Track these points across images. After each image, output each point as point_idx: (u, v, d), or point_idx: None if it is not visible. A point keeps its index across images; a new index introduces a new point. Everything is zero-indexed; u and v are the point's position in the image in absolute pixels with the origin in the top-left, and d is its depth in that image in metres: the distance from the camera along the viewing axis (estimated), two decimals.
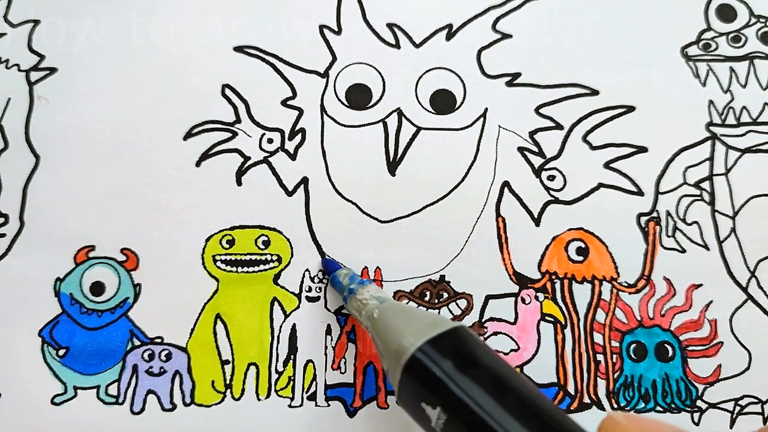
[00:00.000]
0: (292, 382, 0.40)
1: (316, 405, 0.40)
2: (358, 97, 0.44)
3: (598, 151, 0.44)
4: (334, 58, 0.45)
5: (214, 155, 0.43)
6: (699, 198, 0.43)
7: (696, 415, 0.40)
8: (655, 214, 0.43)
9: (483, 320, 0.41)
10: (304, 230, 0.42)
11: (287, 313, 0.41)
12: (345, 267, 0.41)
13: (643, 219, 0.43)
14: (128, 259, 0.42)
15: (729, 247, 0.42)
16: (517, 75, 0.45)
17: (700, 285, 0.42)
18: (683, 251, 0.42)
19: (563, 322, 0.41)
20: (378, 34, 0.45)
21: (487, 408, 0.28)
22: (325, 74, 0.44)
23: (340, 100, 0.44)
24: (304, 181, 0.43)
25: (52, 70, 0.44)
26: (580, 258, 0.42)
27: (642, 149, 0.44)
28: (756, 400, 0.40)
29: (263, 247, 0.42)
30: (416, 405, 0.31)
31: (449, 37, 0.45)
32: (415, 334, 0.32)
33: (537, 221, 0.43)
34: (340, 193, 0.43)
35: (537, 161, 0.43)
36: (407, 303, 0.41)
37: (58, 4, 0.45)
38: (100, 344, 0.41)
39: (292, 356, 0.41)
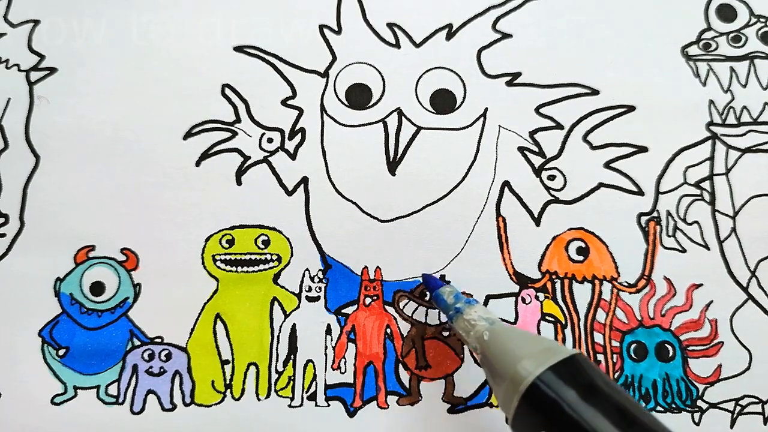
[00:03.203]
0: (292, 382, 0.40)
1: (316, 405, 0.40)
2: (358, 96, 0.44)
3: (598, 151, 0.44)
4: (334, 58, 0.45)
5: (214, 155, 0.43)
6: (699, 198, 0.43)
7: (696, 415, 0.40)
8: (655, 214, 0.43)
9: None
10: (304, 230, 0.42)
11: (287, 312, 0.41)
12: (448, 284, 0.40)
13: (644, 219, 0.43)
14: (128, 259, 0.42)
15: (729, 247, 0.42)
16: (518, 75, 0.44)
17: (701, 285, 0.42)
18: (684, 251, 0.42)
19: (563, 322, 0.41)
20: (378, 33, 0.45)
21: None
22: (325, 74, 0.44)
23: (340, 99, 0.44)
24: (304, 180, 0.43)
25: (52, 70, 0.44)
26: (581, 258, 0.42)
27: (642, 149, 0.44)
28: (756, 400, 0.40)
29: (263, 246, 0.42)
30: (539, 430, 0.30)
31: (449, 36, 0.45)
32: (532, 360, 0.31)
33: (537, 221, 0.43)
34: (340, 193, 0.43)
35: (537, 161, 0.43)
36: (408, 303, 0.41)
37: (58, 4, 0.45)
38: (100, 344, 0.41)
39: (292, 356, 0.41)
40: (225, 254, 0.42)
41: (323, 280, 0.42)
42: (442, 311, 0.39)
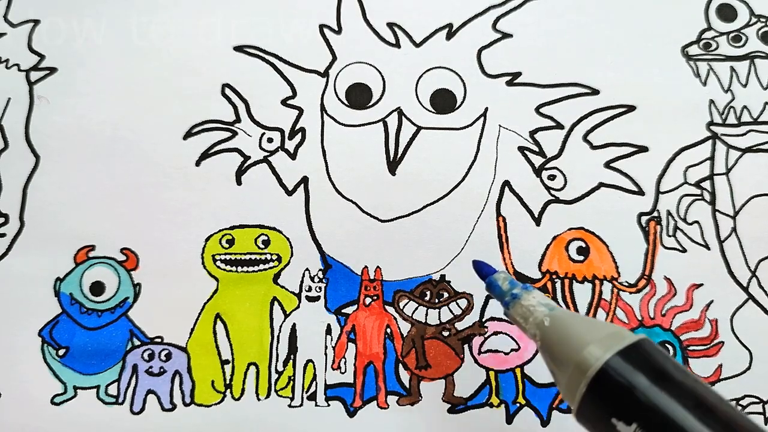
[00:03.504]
0: (292, 382, 0.40)
1: (316, 405, 0.40)
2: (359, 96, 0.44)
3: (598, 151, 0.44)
4: (334, 58, 0.45)
5: (214, 155, 0.43)
6: (700, 197, 0.43)
7: None
8: (655, 214, 0.43)
9: (483, 320, 0.41)
10: (304, 230, 0.42)
11: (287, 312, 0.41)
12: (501, 270, 0.37)
13: (644, 218, 0.43)
14: (128, 259, 0.42)
15: (730, 247, 0.42)
16: (518, 74, 0.44)
17: (701, 285, 0.42)
18: (684, 251, 0.42)
19: None
20: (378, 33, 0.45)
21: (691, 427, 0.27)
22: (325, 74, 0.44)
23: (340, 99, 0.44)
24: (304, 180, 0.43)
25: (52, 70, 0.44)
26: (581, 258, 0.42)
27: (642, 149, 0.44)
28: (757, 400, 0.40)
29: (263, 246, 0.42)
30: (605, 421, 0.29)
31: (449, 36, 0.45)
32: (598, 345, 0.30)
33: (537, 221, 0.42)
34: (340, 193, 0.43)
35: (537, 161, 0.43)
36: (409, 304, 0.41)
37: (58, 4, 0.45)
38: (100, 344, 0.41)
39: (292, 356, 0.41)
40: (225, 254, 0.42)
41: (323, 280, 0.42)
42: (496, 298, 0.37)
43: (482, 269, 0.38)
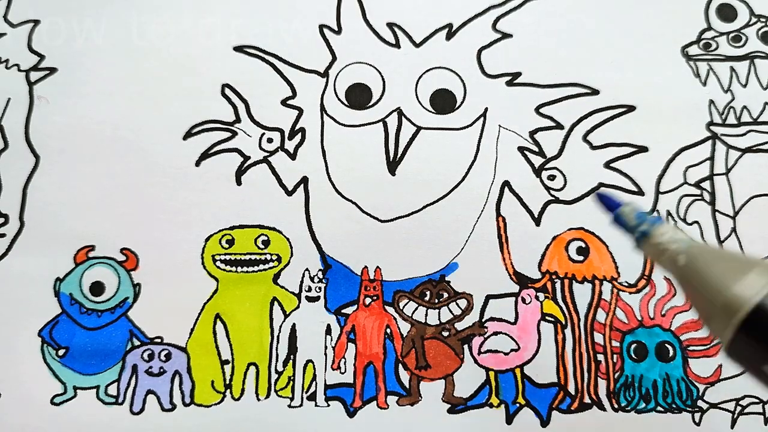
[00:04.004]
0: (291, 382, 0.40)
1: (316, 405, 0.40)
2: (358, 96, 0.44)
3: (598, 151, 0.44)
4: (334, 58, 0.45)
5: (214, 155, 0.43)
6: (699, 198, 0.43)
7: (697, 415, 0.40)
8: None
9: (483, 320, 0.41)
10: (304, 230, 0.42)
11: (287, 312, 0.41)
12: (627, 203, 0.34)
13: None
14: (128, 259, 0.42)
15: (729, 247, 0.42)
16: (518, 74, 0.44)
17: None
18: None
19: (564, 322, 0.41)
20: (378, 33, 0.45)
21: None
22: (325, 74, 0.44)
23: (340, 99, 0.44)
24: (304, 180, 0.43)
25: (52, 70, 0.44)
26: (581, 258, 0.42)
27: (642, 149, 0.44)
28: (757, 400, 0.40)
29: (263, 246, 0.42)
30: (757, 366, 0.28)
31: (449, 36, 0.45)
32: (747, 283, 0.28)
33: (537, 221, 0.42)
34: (340, 193, 0.43)
35: (537, 161, 0.43)
36: (409, 304, 0.41)
37: (58, 4, 0.45)
38: (100, 344, 0.41)
39: (291, 356, 0.41)
40: (225, 254, 0.42)
41: (323, 280, 0.42)
42: (626, 233, 0.34)
43: (606, 202, 0.35)
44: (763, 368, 0.28)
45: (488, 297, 0.42)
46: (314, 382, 0.40)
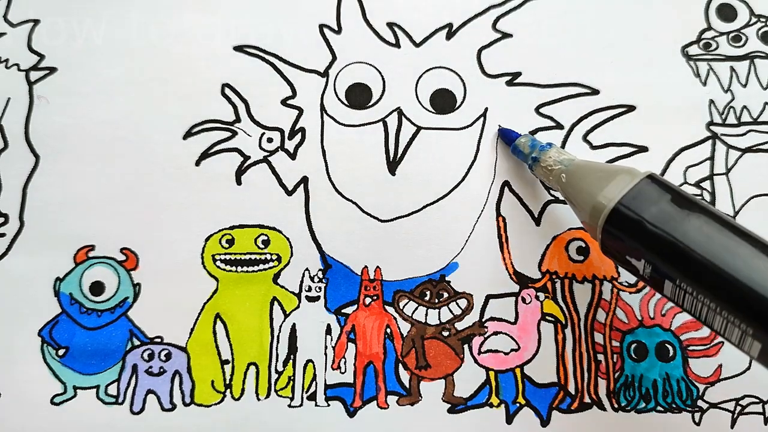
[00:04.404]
0: (291, 382, 0.40)
1: (316, 405, 0.40)
2: (358, 96, 0.44)
3: (598, 151, 0.44)
4: (334, 58, 0.45)
5: (214, 154, 0.43)
6: (699, 197, 0.43)
7: (697, 415, 0.40)
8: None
9: (483, 320, 0.41)
10: (304, 230, 0.42)
11: (287, 312, 0.41)
12: (523, 134, 0.42)
13: None
14: (128, 259, 0.42)
15: None
16: (518, 74, 0.44)
17: None
18: None
19: (564, 322, 0.41)
20: (378, 33, 0.45)
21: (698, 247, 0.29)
22: (325, 73, 0.44)
23: (340, 99, 0.44)
24: (304, 180, 0.43)
25: (52, 70, 0.44)
26: (581, 257, 0.42)
27: (642, 149, 0.44)
28: (757, 400, 0.40)
29: (263, 246, 0.42)
30: (622, 258, 0.33)
31: (449, 36, 0.45)
32: (609, 189, 0.33)
33: (537, 221, 0.42)
34: (340, 193, 0.43)
35: None
36: (409, 304, 0.41)
37: (58, 4, 0.45)
38: (100, 344, 0.41)
39: (291, 356, 0.41)
40: (225, 254, 0.42)
41: (323, 280, 0.42)
42: (522, 161, 0.41)
43: (506, 135, 0.42)
44: (627, 258, 0.33)
45: (488, 297, 0.42)
46: (314, 382, 0.40)
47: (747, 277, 0.28)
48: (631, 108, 0.44)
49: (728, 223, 0.31)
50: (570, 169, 0.37)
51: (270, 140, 0.43)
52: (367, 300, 0.41)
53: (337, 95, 0.44)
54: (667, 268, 0.31)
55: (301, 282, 0.42)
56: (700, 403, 0.40)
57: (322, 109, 0.44)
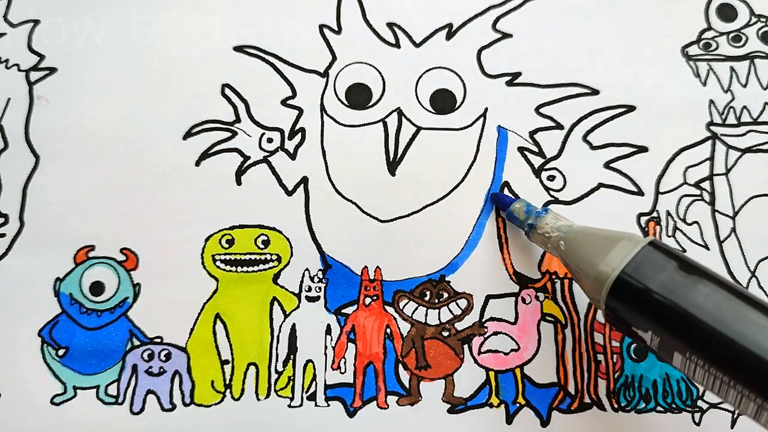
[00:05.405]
0: (291, 382, 0.40)
1: (316, 405, 0.40)
2: (358, 96, 0.44)
3: (598, 151, 0.44)
4: (334, 58, 0.45)
5: (214, 155, 0.43)
6: (699, 198, 0.43)
7: (697, 415, 0.40)
8: (655, 214, 0.43)
9: (483, 320, 0.41)
10: (304, 230, 0.42)
11: (287, 312, 0.41)
12: (518, 199, 0.41)
13: (643, 219, 0.43)
14: (128, 259, 0.42)
15: (729, 247, 0.42)
16: (518, 74, 0.44)
17: None
18: (683, 251, 0.42)
19: (564, 322, 0.41)
20: (378, 33, 0.45)
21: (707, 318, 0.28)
22: (325, 74, 0.44)
23: (340, 99, 0.44)
24: (304, 180, 0.43)
25: (52, 70, 0.44)
26: None
27: (642, 149, 0.44)
28: None
29: (263, 246, 0.42)
30: (627, 329, 0.32)
31: (449, 36, 0.45)
32: (611, 258, 0.32)
33: None
34: (340, 193, 0.43)
35: (537, 161, 0.43)
36: (409, 304, 0.41)
37: (58, 4, 0.45)
38: (100, 344, 0.41)
39: (291, 356, 0.41)
40: (225, 254, 0.42)
41: (323, 280, 0.42)
42: (518, 227, 0.40)
43: (501, 200, 0.41)
44: (632, 329, 0.31)
45: (488, 297, 0.42)
46: (314, 382, 0.40)
47: (762, 349, 0.27)
48: (630, 108, 0.44)
49: (737, 290, 0.29)
50: (568, 236, 0.36)
51: (270, 140, 0.43)
52: (367, 300, 0.41)
53: (337, 95, 0.44)
54: (676, 339, 0.29)
55: (301, 282, 0.42)
56: (700, 403, 0.40)
57: (322, 109, 0.44)
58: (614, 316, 0.32)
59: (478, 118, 0.44)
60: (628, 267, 0.31)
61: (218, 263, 0.42)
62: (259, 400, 0.40)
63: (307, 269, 0.42)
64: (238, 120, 0.44)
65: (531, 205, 0.40)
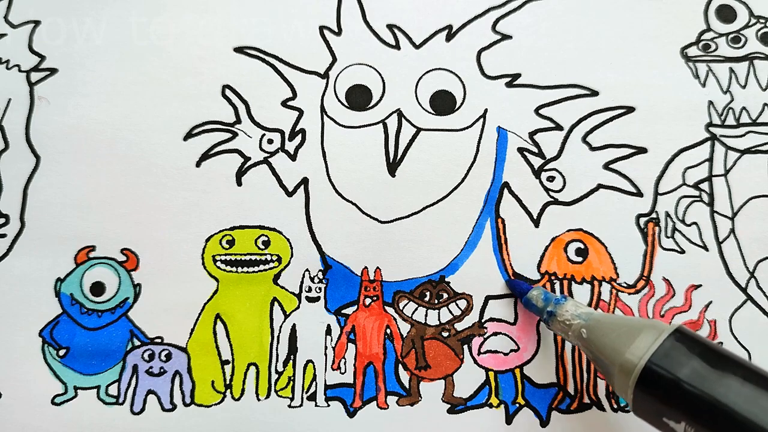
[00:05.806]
0: (291, 382, 0.40)
1: (316, 405, 0.40)
2: (358, 97, 0.44)
3: (597, 152, 0.44)
4: (334, 59, 0.45)
5: (214, 155, 0.43)
6: (698, 199, 0.43)
7: None
8: (654, 215, 0.43)
9: (483, 320, 0.41)
10: (304, 230, 0.42)
11: (287, 313, 0.41)
12: (534, 287, 0.40)
13: (643, 220, 0.43)
14: (128, 259, 0.42)
15: (728, 248, 0.42)
16: (517, 76, 0.45)
17: (700, 285, 0.42)
18: (682, 252, 0.42)
19: None
20: (378, 35, 0.45)
21: (745, 410, 0.27)
22: (325, 75, 0.45)
23: (340, 100, 0.44)
24: (304, 181, 0.43)
25: (53, 71, 0.44)
26: (580, 259, 0.42)
27: (641, 150, 0.44)
28: None
29: (263, 247, 0.42)
30: (657, 419, 0.30)
31: (449, 38, 0.45)
32: (636, 346, 0.31)
33: (536, 222, 0.43)
34: (340, 194, 0.43)
35: (537, 162, 0.43)
36: (409, 304, 0.42)
37: (58, 5, 0.45)
38: (101, 344, 0.41)
39: (292, 356, 0.41)
40: (225, 255, 0.42)
41: (323, 281, 0.42)
42: (536, 315, 0.39)
43: (516, 288, 0.40)
44: (663, 419, 0.30)
45: (488, 297, 0.42)
46: (314, 382, 0.41)
47: None
48: (630, 109, 0.44)
49: (764, 377, 0.29)
50: (590, 324, 0.35)
51: (270, 141, 0.43)
52: (367, 300, 0.42)
53: (337, 97, 0.44)
54: (711, 430, 0.29)
55: (301, 282, 0.42)
56: None
57: (323, 110, 0.44)
58: (643, 405, 0.31)
59: (477, 119, 0.44)
60: (655, 355, 0.30)
61: (219, 264, 0.42)
62: (259, 400, 0.40)
63: (307, 270, 0.42)
64: (238, 121, 0.44)
65: (548, 292, 0.39)
